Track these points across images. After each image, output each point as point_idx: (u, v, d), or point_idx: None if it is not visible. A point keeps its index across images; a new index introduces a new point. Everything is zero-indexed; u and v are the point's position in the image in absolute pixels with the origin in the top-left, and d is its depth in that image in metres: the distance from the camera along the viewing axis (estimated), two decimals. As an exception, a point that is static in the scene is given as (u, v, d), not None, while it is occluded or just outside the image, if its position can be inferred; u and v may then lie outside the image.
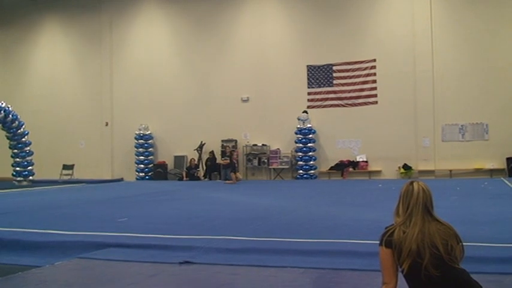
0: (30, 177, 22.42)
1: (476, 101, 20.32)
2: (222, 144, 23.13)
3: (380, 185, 16.84)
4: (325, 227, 7.92)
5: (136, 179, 24.53)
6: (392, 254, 3.30)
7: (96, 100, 26.09)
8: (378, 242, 3.40)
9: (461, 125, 20.61)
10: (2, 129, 21.73)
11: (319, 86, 22.42)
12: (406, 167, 20.67)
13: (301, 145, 21.72)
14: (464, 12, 20.70)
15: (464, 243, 3.33)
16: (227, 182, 20.27)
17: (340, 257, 5.81)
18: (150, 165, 24.68)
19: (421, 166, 20.71)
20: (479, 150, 20.18)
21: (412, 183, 3.43)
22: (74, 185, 21.60)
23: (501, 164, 19.89)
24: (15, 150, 22.18)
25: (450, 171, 20.33)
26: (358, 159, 21.74)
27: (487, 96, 20.19)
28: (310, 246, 6.29)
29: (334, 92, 22.21)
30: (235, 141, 23.30)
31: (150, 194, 15.93)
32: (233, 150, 21.77)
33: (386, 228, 3.42)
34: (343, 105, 22.07)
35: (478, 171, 20.05)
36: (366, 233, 6.56)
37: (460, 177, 19.99)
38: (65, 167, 24.92)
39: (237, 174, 20.88)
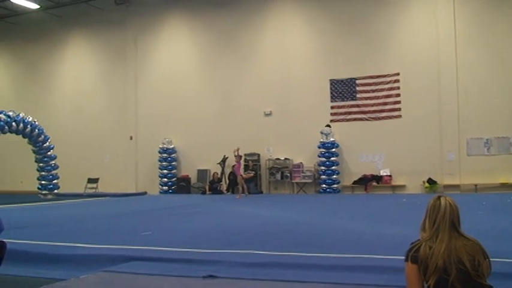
0: (56, 191, 22.73)
1: (502, 114, 20.03)
2: (245, 158, 23.16)
3: (404, 200, 16.68)
4: (349, 241, 7.85)
5: (160, 192, 24.69)
6: (418, 270, 3.27)
7: (120, 114, 26.41)
8: (404, 257, 3.38)
9: (487, 139, 20.33)
10: (29, 143, 22.09)
11: (342, 100, 22.35)
12: (431, 182, 20.41)
13: (324, 159, 21.63)
14: (490, 23, 20.45)
15: (491, 259, 3.29)
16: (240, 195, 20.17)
17: (365, 272, 5.74)
18: (174, 179, 24.81)
19: (446, 180, 20.44)
20: (505, 165, 19.83)
21: (439, 198, 3.40)
22: (99, 198, 21.82)
23: (528, 179, 19.57)
24: (41, 164, 22.52)
25: (475, 185, 20.02)
26: (381, 174, 21.55)
27: (513, 109, 19.93)
28: (334, 261, 6.22)
29: (358, 106, 22.12)
30: (258, 155, 23.32)
31: (173, 207, 15.99)
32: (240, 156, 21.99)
33: (412, 243, 3.39)
34: (367, 119, 21.95)
35: (504, 185, 19.67)
36: (391, 248, 6.48)
37: (485, 191, 19.64)
38: (90, 180, 25.14)
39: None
